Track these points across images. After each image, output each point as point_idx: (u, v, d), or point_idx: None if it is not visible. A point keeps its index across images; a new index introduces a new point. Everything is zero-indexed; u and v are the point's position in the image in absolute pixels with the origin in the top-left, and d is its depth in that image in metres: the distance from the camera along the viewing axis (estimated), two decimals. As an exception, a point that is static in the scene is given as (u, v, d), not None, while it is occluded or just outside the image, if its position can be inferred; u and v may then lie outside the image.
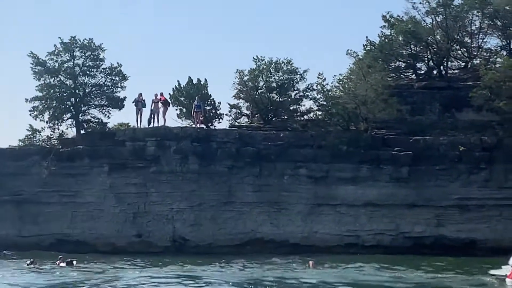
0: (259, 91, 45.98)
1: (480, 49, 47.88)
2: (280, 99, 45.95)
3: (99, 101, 46.09)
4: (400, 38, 46.32)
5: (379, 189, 41.09)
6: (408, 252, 39.00)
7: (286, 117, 46.04)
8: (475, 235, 40.18)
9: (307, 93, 45.94)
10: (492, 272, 29.27)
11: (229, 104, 47.24)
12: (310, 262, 33.69)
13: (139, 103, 44.26)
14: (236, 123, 46.80)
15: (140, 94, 44.37)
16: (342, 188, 41.31)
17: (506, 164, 40.37)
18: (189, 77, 47.59)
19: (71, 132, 45.75)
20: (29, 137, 45.73)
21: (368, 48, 46.74)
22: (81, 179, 42.86)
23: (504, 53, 45.85)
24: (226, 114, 47.35)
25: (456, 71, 48.31)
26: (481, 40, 47.71)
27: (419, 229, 40.65)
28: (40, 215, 42.70)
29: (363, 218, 41.14)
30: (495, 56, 46.33)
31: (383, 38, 46.62)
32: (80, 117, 45.49)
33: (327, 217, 41.40)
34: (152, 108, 44.10)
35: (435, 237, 40.46)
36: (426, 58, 47.54)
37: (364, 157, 41.32)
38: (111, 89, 46.28)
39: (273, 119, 45.81)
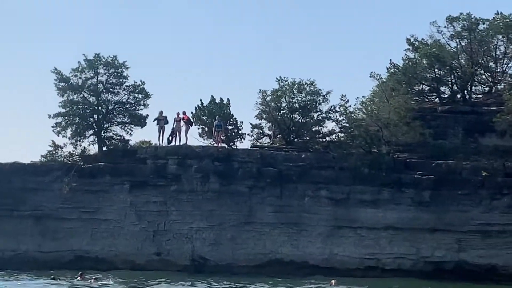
0: (281, 111, 45.94)
1: (505, 74, 47.68)
2: (302, 120, 45.89)
3: (121, 118, 46.27)
4: (424, 62, 46.19)
5: (400, 212, 40.82)
6: (428, 277, 38.66)
7: (308, 138, 45.88)
8: (496, 261, 39.71)
9: (329, 115, 45.87)
10: None
11: (251, 124, 47.29)
12: (333, 281, 33.29)
13: (161, 121, 44.35)
14: (258, 143, 46.76)
15: (161, 112, 44.49)
16: (363, 210, 41.07)
17: (529, 190, 40.03)
18: (212, 96, 47.78)
19: (93, 149, 46.14)
20: (51, 153, 46.00)
21: (392, 71, 46.73)
22: (102, 196, 42.99)
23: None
24: (248, 134, 47.45)
25: (480, 95, 48.03)
26: (505, 65, 47.60)
27: (439, 253, 40.28)
28: (60, 231, 42.88)
29: (383, 242, 40.86)
30: (520, 81, 46.08)
31: (407, 61, 46.59)
32: (102, 134, 45.70)
33: (347, 240, 41.17)
34: (174, 126, 44.19)
35: (455, 262, 40.07)
36: (450, 82, 47.33)
37: (385, 180, 41.11)
38: (134, 107, 46.49)
39: (295, 140, 45.72)
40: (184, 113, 44.61)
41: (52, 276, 35.16)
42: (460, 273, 39.31)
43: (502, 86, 46.93)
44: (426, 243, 40.52)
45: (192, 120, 45.64)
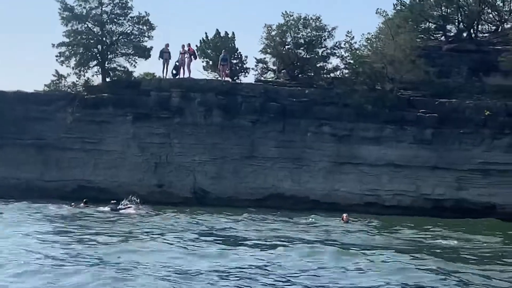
0: (286, 46, 45.80)
1: (512, 13, 47.27)
2: (307, 56, 45.77)
3: (125, 49, 46.01)
4: (431, -1, 45.83)
5: (402, 150, 40.98)
6: (428, 214, 38.82)
7: (312, 74, 45.77)
8: (496, 199, 39.90)
9: (334, 51, 45.83)
10: None
11: (255, 58, 47.28)
12: (344, 215, 33.35)
13: (166, 54, 44.21)
14: (262, 78, 46.73)
15: (167, 45, 44.36)
16: (365, 147, 41.23)
17: (531, 131, 40.08)
18: (217, 30, 47.70)
19: (97, 80, 45.94)
20: (54, 82, 45.98)
21: (399, 8, 46.47)
22: (105, 127, 43.13)
23: (536, 18, 45.24)
24: (253, 69, 47.48)
25: (486, 34, 47.73)
26: (513, 4, 47.09)
27: (439, 191, 40.53)
28: (63, 161, 43.10)
29: (384, 178, 41.10)
30: (526, 21, 45.75)
31: (414, -2, 46.17)
32: (106, 65, 45.54)
33: (348, 176, 41.41)
34: (179, 59, 44.07)
35: (455, 200, 40.32)
36: (456, 20, 47.00)
37: (388, 118, 41.17)
38: (138, 38, 46.19)
39: (299, 75, 45.66)
40: (188, 45, 44.44)
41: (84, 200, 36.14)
42: (459, 211, 39.42)
43: (509, 26, 46.60)
44: (426, 181, 40.73)
45: (196, 53, 45.49)
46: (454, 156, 40.58)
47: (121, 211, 34.70)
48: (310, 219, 33.90)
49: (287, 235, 26.40)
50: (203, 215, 34.06)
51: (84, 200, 36.78)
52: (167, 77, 44.22)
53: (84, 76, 45.63)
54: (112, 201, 35.69)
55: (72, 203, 36.10)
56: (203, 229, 28.22)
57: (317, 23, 45.31)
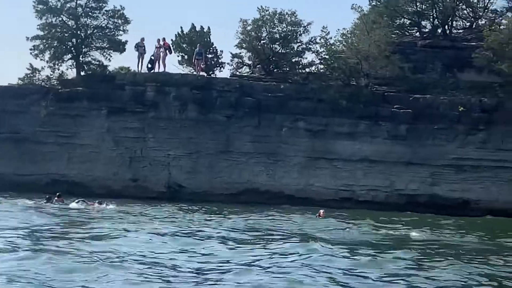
0: (261, 41, 45.76)
1: (486, 10, 47.43)
2: (283, 51, 45.80)
3: (100, 43, 45.87)
4: (406, -5, 45.99)
5: (376, 145, 41.16)
6: (401, 209, 38.97)
7: (287, 69, 45.86)
8: (469, 195, 40.26)
9: (309, 46, 45.86)
10: None
11: (231, 53, 47.23)
12: (321, 211, 32.81)
13: (141, 48, 44.09)
14: (237, 73, 46.66)
15: (142, 39, 44.25)
16: (340, 142, 41.37)
17: (504, 126, 40.28)
18: (192, 24, 47.63)
19: (71, 73, 45.74)
20: (29, 76, 45.63)
21: (374, 3, 46.61)
22: (79, 121, 42.98)
23: (510, 14, 45.37)
24: (228, 63, 47.43)
25: (460, 31, 47.97)
26: (487, 1, 47.24)
27: (413, 186, 40.76)
28: (38, 155, 42.90)
29: (358, 174, 41.28)
30: (500, 18, 45.98)
31: (389, -6, 46.29)
32: (80, 58, 45.34)
33: (323, 171, 41.54)
34: (154, 53, 43.95)
35: (429, 195, 40.59)
36: (431, 17, 47.20)
37: (363, 113, 41.32)
38: (113, 32, 46.06)
39: (275, 70, 45.68)
40: (164, 39, 44.31)
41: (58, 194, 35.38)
42: (433, 206, 39.67)
43: (483, 22, 46.89)
44: (400, 176, 40.97)
45: (172, 47, 45.38)
46: (428, 152, 40.80)
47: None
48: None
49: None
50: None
51: (58, 194, 36.35)
52: (142, 71, 44.06)
53: (58, 69, 45.62)
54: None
55: (47, 195, 35.58)
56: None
57: (293, 18, 45.34)
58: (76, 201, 34.43)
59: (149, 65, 44.09)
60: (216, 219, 29.75)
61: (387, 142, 41.15)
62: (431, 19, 47.26)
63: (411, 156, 40.92)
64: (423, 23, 47.62)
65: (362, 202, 40.69)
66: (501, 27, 43.06)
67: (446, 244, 23.97)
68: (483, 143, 40.58)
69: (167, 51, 44.45)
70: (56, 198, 35.21)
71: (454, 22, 47.38)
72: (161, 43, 43.87)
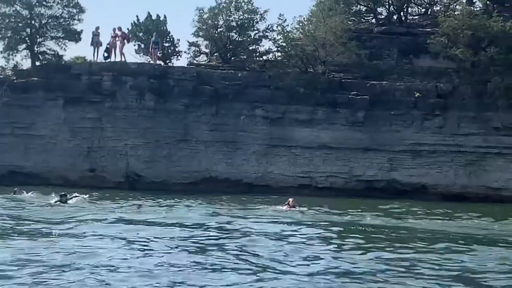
0: (218, 29, 45.59)
1: (441, -4, 47.91)
2: (240, 39, 45.68)
3: (55, 33, 45.31)
4: (362, -19, 46.22)
5: (334, 132, 41.33)
6: (360, 195, 39.26)
7: (245, 57, 45.79)
8: (426, 180, 40.64)
9: (266, 34, 45.86)
10: None
11: (188, 41, 47.04)
12: (290, 200, 31.45)
13: (96, 37, 43.77)
14: (195, 61, 46.46)
15: (97, 28, 43.95)
16: (298, 130, 41.47)
17: (460, 112, 40.72)
18: (148, 13, 47.32)
19: (26, 64, 45.15)
20: (-18, 67, 45.00)
21: (330, -10, 46.56)
22: (35, 112, 42.44)
23: (464, 1, 45.88)
24: (185, 52, 47.20)
25: (416, 17, 48.34)
26: (442, -13, 47.75)
27: (371, 172, 41.03)
28: (-8, 146, 42.27)
29: (317, 160, 41.42)
30: (455, 4, 46.42)
31: (345, -19, 46.42)
32: (35, 48, 44.76)
33: (281, 158, 41.62)
34: (110, 42, 43.61)
35: (387, 181, 40.92)
36: (386, 3, 47.41)
37: (320, 100, 41.43)
38: (68, 21, 45.53)
39: (232, 58, 45.55)
40: (119, 28, 44.00)
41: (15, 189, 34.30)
42: (391, 192, 40.03)
43: (438, 8, 47.31)
44: (358, 162, 41.21)
45: (129, 36, 45.06)
46: (385, 138, 41.11)
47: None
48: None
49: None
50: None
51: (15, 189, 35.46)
52: (98, 61, 43.69)
53: (13, 60, 44.91)
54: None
55: (15, 188, 34.77)
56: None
57: (249, 6, 45.25)
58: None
59: (105, 54, 43.80)
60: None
61: (345, 128, 41.35)
62: (387, 6, 47.50)
63: (369, 142, 41.17)
64: (379, 9, 47.90)
65: (321, 188, 40.88)
66: (455, 13, 43.43)
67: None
68: (440, 128, 40.96)
69: (124, 40, 44.17)
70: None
71: (409, 9, 47.81)
72: (118, 32, 43.52)
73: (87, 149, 42.20)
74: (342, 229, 23.96)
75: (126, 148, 41.95)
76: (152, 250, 17.89)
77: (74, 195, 32.21)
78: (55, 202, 30.75)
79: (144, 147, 41.84)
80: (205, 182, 41.43)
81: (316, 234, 21.98)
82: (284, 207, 30.89)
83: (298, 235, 21.39)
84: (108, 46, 43.75)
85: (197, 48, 47.04)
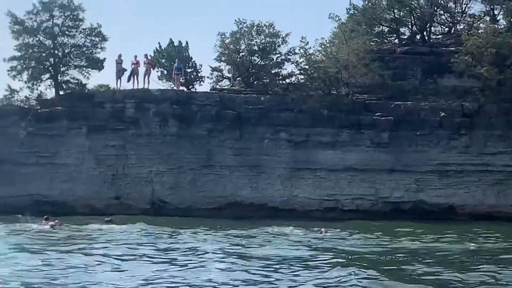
0: (240, 54, 45.60)
1: (464, 15, 47.59)
2: (262, 63, 45.61)
3: (78, 61, 45.43)
4: (384, 2, 46.18)
5: (359, 153, 41.01)
6: (387, 217, 38.87)
7: (267, 80, 45.66)
8: (454, 200, 40.22)
9: (289, 57, 45.72)
10: None
11: (210, 66, 47.03)
12: (323, 229, 32.03)
13: (119, 65, 44.11)
14: (218, 86, 46.42)
15: (120, 55, 44.35)
16: (322, 152, 41.17)
17: (486, 130, 40.36)
18: (170, 39, 47.46)
19: (50, 93, 45.27)
20: (7, 97, 45.13)
21: (352, 12, 46.57)
22: (59, 141, 42.49)
23: (488, 18, 45.50)
24: (208, 77, 47.18)
25: (439, 36, 48.06)
26: (465, 6, 47.56)
27: (398, 194, 40.65)
28: (18, 176, 42.20)
29: (342, 183, 41.08)
30: (478, 22, 45.99)
31: (366, 2, 46.43)
32: (59, 77, 44.89)
33: (306, 181, 41.31)
34: (132, 67, 43.87)
35: (414, 202, 40.49)
36: (409, 23, 47.24)
37: (344, 122, 41.18)
38: (91, 50, 45.64)
39: (255, 82, 45.47)
40: (146, 56, 44.30)
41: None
42: (418, 213, 39.67)
43: (461, 27, 46.93)
44: (384, 184, 40.84)
45: (155, 64, 45.29)
46: (411, 158, 40.75)
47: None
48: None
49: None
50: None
51: (45, 217, 35.48)
52: (121, 88, 43.81)
53: (37, 89, 44.98)
54: None
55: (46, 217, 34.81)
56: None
57: (271, 30, 45.18)
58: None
59: (128, 79, 43.94)
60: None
61: (370, 150, 41.02)
62: (410, 26, 47.29)
63: (395, 163, 40.81)
64: (402, 30, 47.65)
65: (347, 211, 40.50)
66: (479, 31, 43.10)
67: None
68: (466, 148, 40.61)
69: (151, 67, 44.36)
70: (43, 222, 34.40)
71: (432, 28, 47.54)
72: (138, 59, 43.77)
73: (111, 176, 42.16)
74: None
75: (151, 174, 41.84)
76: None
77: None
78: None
79: (169, 173, 41.72)
80: (230, 207, 41.19)
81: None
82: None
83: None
84: (132, 70, 43.93)
85: (219, 73, 47.06)
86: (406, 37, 47.35)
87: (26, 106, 44.44)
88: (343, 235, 31.10)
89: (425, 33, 46.76)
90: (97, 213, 40.18)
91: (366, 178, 40.98)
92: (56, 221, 34.04)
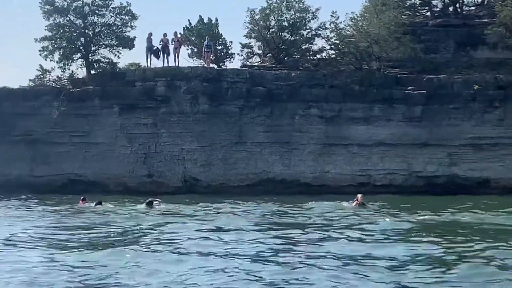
0: (270, 30, 45.25)
1: (497, -15, 46.74)
2: (292, 38, 45.20)
3: (109, 41, 45.49)
4: (416, -26, 45.46)
5: (392, 128, 40.71)
6: (420, 192, 38.66)
7: (298, 56, 45.33)
8: (488, 174, 39.81)
9: (319, 32, 45.20)
10: None
11: (240, 43, 46.77)
12: (359, 196, 31.63)
13: (149, 43, 44.08)
14: (248, 63, 46.25)
15: (150, 34, 44.40)
16: (354, 127, 40.93)
17: (521, 103, 39.81)
18: (200, 16, 47.20)
19: (81, 73, 45.47)
20: (39, 77, 45.48)
21: (383, -15, 45.85)
22: (92, 120, 42.76)
23: (522, -11, 44.65)
24: (238, 54, 46.94)
25: (472, 8, 47.38)
26: (498, -24, 46.58)
27: (431, 168, 40.33)
28: (52, 155, 42.75)
29: (375, 158, 40.85)
30: (512, -8, 45.18)
31: (398, -26, 45.68)
32: (90, 57, 44.99)
33: (338, 157, 41.13)
34: (160, 43, 43.89)
35: (447, 176, 40.16)
36: (441, -5, 46.57)
37: (376, 97, 40.82)
38: (121, 29, 45.63)
39: (285, 58, 45.17)
40: (175, 34, 44.16)
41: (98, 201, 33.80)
42: (452, 187, 39.33)
43: (494, -2, 46.18)
44: (417, 158, 40.54)
45: (183, 40, 45.15)
46: (444, 132, 40.36)
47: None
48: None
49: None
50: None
51: (82, 197, 35.64)
52: (152, 66, 43.88)
53: (68, 69, 45.10)
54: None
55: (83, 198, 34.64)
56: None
57: (300, 5, 44.70)
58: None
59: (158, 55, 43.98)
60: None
61: (402, 124, 40.68)
62: (442, -2, 46.59)
63: (428, 137, 40.45)
64: (434, 2, 47.07)
65: (379, 186, 40.30)
66: (512, 1, 42.34)
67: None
68: (500, 121, 40.17)
69: (180, 45, 44.30)
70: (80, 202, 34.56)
71: (465, 0, 46.69)
72: (173, 37, 43.69)
73: (144, 155, 42.33)
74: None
75: (183, 152, 41.93)
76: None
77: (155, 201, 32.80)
78: (145, 208, 31.81)
79: (200, 151, 41.77)
80: (262, 183, 41.18)
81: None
82: (353, 204, 31.15)
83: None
84: (160, 49, 43.94)
85: (250, 50, 46.79)
86: (438, 9, 46.72)
87: (58, 86, 44.74)
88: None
89: (457, 5, 46.09)
90: (130, 191, 40.51)
91: (398, 153, 40.70)
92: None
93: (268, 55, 45.91)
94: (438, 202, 33.63)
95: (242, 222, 26.34)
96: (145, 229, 24.36)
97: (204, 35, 45.24)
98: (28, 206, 34.27)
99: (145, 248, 19.77)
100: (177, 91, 41.92)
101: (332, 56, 44.66)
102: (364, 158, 40.91)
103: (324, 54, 45.43)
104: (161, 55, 43.86)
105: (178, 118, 41.92)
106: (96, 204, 33.07)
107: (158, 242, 20.81)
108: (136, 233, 23.56)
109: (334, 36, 44.34)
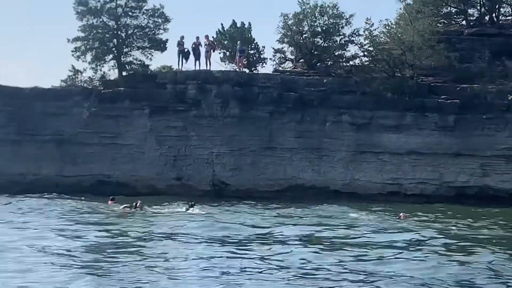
0: (303, 35, 44.98)
1: (534, -5, 46.15)
2: (325, 44, 44.90)
3: (141, 43, 45.46)
4: (451, -17, 44.94)
5: (423, 137, 40.23)
6: (451, 201, 38.12)
7: (330, 62, 45.07)
8: (521, 186, 39.18)
9: (352, 39, 44.86)
10: None
11: (273, 48, 46.55)
12: (401, 214, 31.25)
13: (181, 46, 44.02)
14: (280, 68, 46.01)
15: (182, 37, 44.19)
16: (385, 135, 40.53)
17: (555, 114, 39.13)
18: (233, 20, 47.14)
19: (113, 74, 45.49)
20: (71, 77, 45.56)
21: (418, -7, 45.42)
22: (122, 121, 42.71)
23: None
24: (270, 59, 46.72)
25: (508, 17, 46.77)
26: (535, -14, 46.00)
27: (463, 178, 39.78)
28: (81, 156, 42.67)
29: (406, 167, 40.39)
30: (549, 2, 44.64)
31: (433, -18, 45.20)
32: (122, 58, 44.97)
33: (369, 165, 40.75)
34: (192, 47, 43.79)
35: (479, 187, 39.58)
36: (478, 4, 45.95)
37: (408, 105, 40.36)
38: (153, 31, 45.64)
39: (317, 64, 44.88)
40: (206, 37, 44.06)
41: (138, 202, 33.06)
42: (483, 198, 38.75)
43: (531, 8, 45.60)
44: (449, 168, 40.03)
45: (214, 44, 45.02)
46: (477, 142, 39.78)
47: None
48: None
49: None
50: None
51: (111, 197, 35.76)
52: (183, 69, 43.77)
53: (100, 70, 45.10)
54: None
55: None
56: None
57: (334, 11, 44.38)
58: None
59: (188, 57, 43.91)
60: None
61: (434, 133, 40.20)
62: (478, 7, 46.00)
63: (460, 147, 39.91)
64: (470, 11, 46.39)
65: (410, 195, 39.85)
66: (550, 11, 41.79)
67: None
68: (534, 132, 39.43)
69: (211, 49, 44.19)
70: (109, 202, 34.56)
71: (501, 9, 46.17)
72: (200, 41, 43.58)
73: (173, 157, 42.22)
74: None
75: (212, 156, 41.76)
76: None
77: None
78: (186, 210, 32.22)
79: (230, 155, 41.57)
80: (291, 189, 40.90)
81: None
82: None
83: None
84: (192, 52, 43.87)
85: (282, 55, 46.57)
86: (474, 18, 46.11)
87: (89, 87, 44.79)
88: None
89: (493, 14, 45.47)
90: (159, 194, 40.41)
91: (430, 162, 40.22)
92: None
93: (301, 60, 45.64)
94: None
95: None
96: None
97: (236, 39, 45.08)
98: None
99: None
100: (207, 95, 41.77)
101: (365, 63, 44.27)
102: (395, 166, 40.48)
103: (356, 60, 45.14)
104: (192, 57, 43.75)
105: (208, 121, 41.77)
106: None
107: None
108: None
109: (367, 43, 43.95)
